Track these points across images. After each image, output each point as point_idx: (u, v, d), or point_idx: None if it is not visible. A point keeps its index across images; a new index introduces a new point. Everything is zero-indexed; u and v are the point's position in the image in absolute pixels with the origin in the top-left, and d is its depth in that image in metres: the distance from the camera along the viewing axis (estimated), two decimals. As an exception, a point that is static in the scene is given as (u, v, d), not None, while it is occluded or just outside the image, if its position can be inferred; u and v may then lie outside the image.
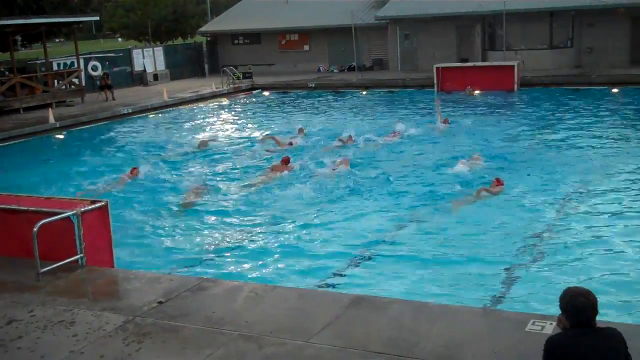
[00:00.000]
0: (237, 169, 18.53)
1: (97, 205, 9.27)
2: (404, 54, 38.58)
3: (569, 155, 18.02)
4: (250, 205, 15.00)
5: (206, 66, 45.59)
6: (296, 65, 42.20)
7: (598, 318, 4.64)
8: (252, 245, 12.33)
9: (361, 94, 33.44)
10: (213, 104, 33.59)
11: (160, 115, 30.46)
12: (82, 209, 8.98)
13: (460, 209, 13.62)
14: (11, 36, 32.47)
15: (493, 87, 30.03)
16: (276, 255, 11.66)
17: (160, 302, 7.76)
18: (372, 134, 21.80)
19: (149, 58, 40.92)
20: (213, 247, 12.36)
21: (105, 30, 69.82)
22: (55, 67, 35.27)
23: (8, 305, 7.94)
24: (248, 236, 12.86)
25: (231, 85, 36.45)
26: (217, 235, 13.04)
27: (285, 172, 17.25)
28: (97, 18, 40.35)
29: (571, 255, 10.77)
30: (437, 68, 31.88)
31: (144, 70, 40.41)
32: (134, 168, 17.99)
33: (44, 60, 34.52)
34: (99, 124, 28.07)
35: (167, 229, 13.58)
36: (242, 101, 34.57)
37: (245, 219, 14.00)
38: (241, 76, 37.72)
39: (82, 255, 9.03)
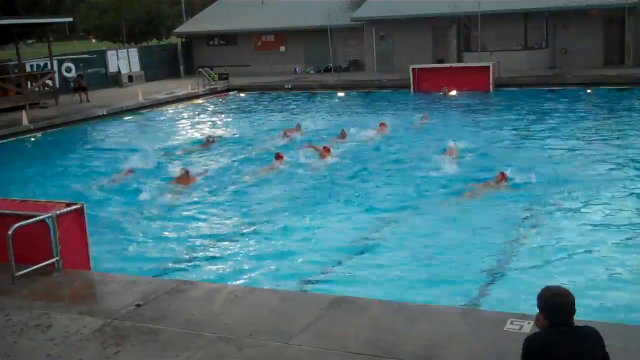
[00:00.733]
0: (215, 170, 18.43)
1: (73, 207, 9.20)
2: (380, 55, 38.68)
3: (545, 155, 18.13)
4: (228, 206, 14.95)
5: (181, 67, 45.40)
6: (272, 67, 42.14)
7: (576, 317, 4.67)
8: (231, 247, 12.29)
9: (337, 94, 33.45)
10: (189, 105, 33.43)
11: (134, 116, 30.24)
12: (58, 212, 8.90)
13: (451, 207, 13.71)
14: (-18, 37, 32.12)
15: (469, 87, 30.21)
16: (255, 257, 11.61)
17: (138, 305, 7.71)
18: (358, 129, 22.10)
19: (123, 59, 40.65)
20: (191, 249, 12.29)
21: (79, 31, 69.21)
22: (28, 69, 34.91)
23: (-17, 310, 7.85)
24: (227, 238, 12.81)
25: (207, 87, 36.31)
26: (195, 237, 12.96)
27: (279, 167, 17.64)
28: (71, 19, 39.93)
29: (549, 255, 10.85)
30: (413, 69, 32.03)
31: (119, 72, 40.12)
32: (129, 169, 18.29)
33: (16, 62, 34.15)
34: (73, 125, 27.82)
35: (144, 231, 13.49)
36: (217, 102, 34.43)
37: (224, 220, 13.96)
38: (217, 77, 37.59)
39: (58, 258, 8.94)
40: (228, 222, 13.84)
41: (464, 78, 30.79)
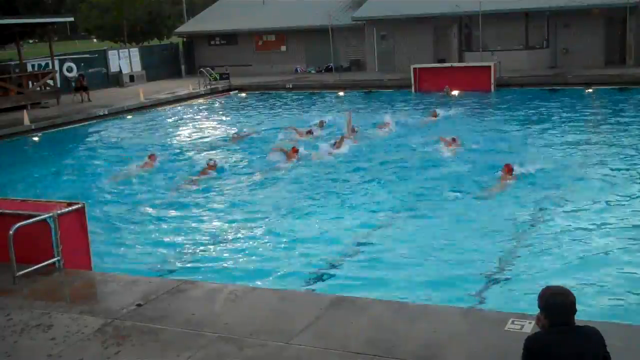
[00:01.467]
0: (216, 170, 18.42)
1: (74, 207, 9.20)
2: (381, 55, 38.66)
3: (547, 155, 18.10)
4: (229, 206, 14.95)
5: (183, 67, 45.42)
6: (273, 66, 42.13)
7: (577, 317, 4.67)
8: (232, 247, 12.28)
9: (338, 94, 33.45)
10: (190, 104, 33.41)
11: (135, 116, 30.24)
12: (59, 212, 8.90)
13: (452, 206, 13.77)
14: (-17, 37, 32.13)
15: (470, 87, 30.16)
16: (256, 257, 11.62)
17: (139, 305, 7.71)
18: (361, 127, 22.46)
19: (124, 59, 40.64)
20: (192, 248, 12.29)
21: (80, 31, 69.23)
22: (29, 69, 34.92)
23: (-16, 310, 7.85)
24: (227, 237, 12.82)
25: (208, 86, 36.30)
26: (196, 236, 12.96)
27: (294, 160, 18.21)
28: (72, 19, 39.94)
29: (551, 255, 10.85)
30: (414, 69, 32.01)
31: (120, 72, 40.11)
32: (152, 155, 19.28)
33: (17, 62, 34.16)
34: (74, 125, 27.83)
35: (145, 231, 13.50)
36: (219, 102, 34.43)
37: (225, 220, 13.96)
38: (218, 77, 37.58)
39: (59, 258, 8.95)
40: (229, 221, 13.83)
41: (465, 78, 30.76)
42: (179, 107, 32.71)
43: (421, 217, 13.35)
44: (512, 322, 6.55)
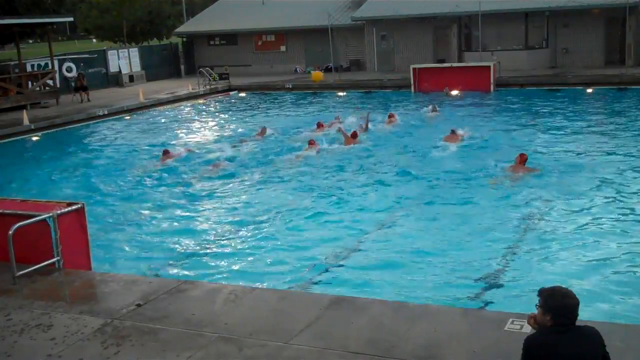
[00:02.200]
0: (216, 170, 18.42)
1: (74, 207, 9.20)
2: (381, 55, 38.67)
3: (548, 154, 18.10)
4: (229, 206, 14.95)
5: (182, 67, 45.42)
6: (273, 66, 42.15)
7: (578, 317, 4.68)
8: (231, 247, 12.28)
9: (338, 94, 33.45)
10: (190, 105, 33.41)
11: (135, 116, 30.23)
12: (59, 212, 8.90)
13: (452, 205, 13.86)
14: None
15: (470, 87, 30.15)
16: (256, 257, 11.62)
17: (138, 305, 7.71)
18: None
19: (124, 59, 40.65)
20: (192, 249, 12.29)
21: (79, 31, 69.16)
22: (29, 69, 34.92)
23: (-16, 310, 7.85)
24: (227, 237, 12.81)
25: (208, 87, 36.30)
26: (196, 236, 12.96)
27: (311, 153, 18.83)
28: (71, 19, 39.97)
29: (550, 254, 10.85)
30: (414, 69, 32.00)
31: (120, 72, 40.12)
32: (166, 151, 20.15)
33: (17, 62, 34.16)
34: (74, 125, 27.83)
35: (145, 231, 13.49)
36: (218, 102, 34.42)
37: (225, 220, 13.95)
38: (217, 77, 37.58)
39: (58, 258, 8.95)
40: (228, 221, 13.83)
41: (465, 78, 30.74)
42: (179, 107, 32.68)
43: (422, 216, 13.35)
44: (512, 322, 6.55)
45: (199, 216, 14.32)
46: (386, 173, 16.91)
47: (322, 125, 23.04)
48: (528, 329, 6.18)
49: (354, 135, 20.47)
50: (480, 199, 14.14)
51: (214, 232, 13.19)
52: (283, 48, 42.85)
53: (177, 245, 12.47)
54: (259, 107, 31.71)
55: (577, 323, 4.70)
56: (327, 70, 38.96)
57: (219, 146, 21.88)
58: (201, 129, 26.51)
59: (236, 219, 13.96)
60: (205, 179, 17.38)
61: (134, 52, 41.85)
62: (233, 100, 34.93)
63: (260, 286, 9.55)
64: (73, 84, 34.56)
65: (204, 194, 16.07)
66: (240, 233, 13.02)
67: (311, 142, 19.65)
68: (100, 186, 17.18)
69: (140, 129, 27.19)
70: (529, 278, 9.89)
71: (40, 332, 7.18)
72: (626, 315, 8.56)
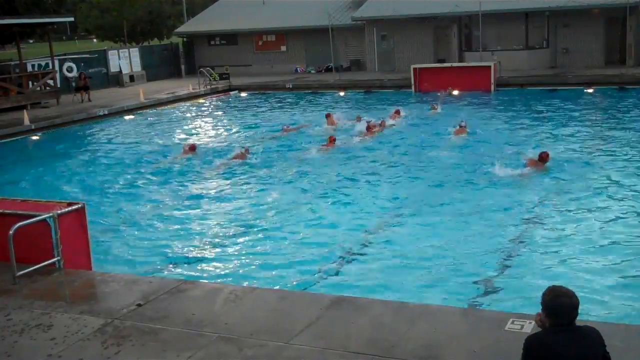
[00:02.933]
0: (219, 171, 18.43)
1: (74, 207, 9.20)
2: (381, 55, 38.67)
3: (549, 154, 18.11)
4: (229, 206, 14.95)
5: (183, 67, 45.42)
6: (273, 66, 42.14)
7: (578, 317, 4.67)
8: (232, 247, 12.28)
9: (339, 94, 33.43)
10: (190, 105, 33.41)
11: (135, 116, 30.22)
12: (59, 212, 8.90)
13: (449, 205, 13.84)
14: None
15: (470, 87, 30.12)
16: (256, 257, 11.62)
17: (139, 305, 7.71)
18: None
19: (124, 59, 40.64)
20: (192, 248, 12.29)
21: (80, 31, 69.19)
22: (29, 69, 34.92)
23: (-16, 310, 7.85)
24: (228, 237, 12.81)
25: (208, 86, 36.30)
26: (196, 236, 12.96)
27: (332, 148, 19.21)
28: (72, 19, 39.97)
29: (552, 255, 10.85)
30: (414, 69, 31.99)
31: (120, 72, 40.12)
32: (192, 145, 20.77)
33: (17, 62, 34.16)
34: (74, 125, 27.83)
35: (145, 230, 13.50)
36: (219, 102, 34.41)
37: (225, 220, 13.95)
38: (218, 77, 37.58)
39: (59, 258, 8.95)
40: (229, 221, 13.82)
41: (465, 78, 30.74)
42: (180, 107, 32.65)
43: (423, 216, 13.34)
44: (512, 322, 6.55)
45: (199, 216, 14.31)
46: (389, 172, 16.96)
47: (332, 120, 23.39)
48: (528, 329, 6.20)
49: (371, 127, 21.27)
50: (480, 199, 14.14)
51: (214, 232, 13.17)
52: (283, 48, 42.85)
53: (177, 245, 12.46)
54: (259, 107, 31.70)
55: (578, 323, 4.69)
56: (328, 70, 38.96)
57: (219, 146, 21.89)
58: (201, 128, 26.49)
59: (237, 218, 13.95)
60: (206, 179, 17.38)
61: (135, 52, 41.85)
62: (232, 100, 34.90)
63: (260, 286, 9.54)
64: (74, 83, 34.54)
65: (204, 194, 16.08)
66: (241, 233, 13.01)
67: (331, 139, 19.89)
68: (100, 186, 17.19)
69: (140, 129, 27.19)
70: (529, 278, 9.90)
71: (40, 332, 7.18)
72: (628, 315, 8.56)
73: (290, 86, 35.91)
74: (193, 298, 7.92)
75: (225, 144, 22.39)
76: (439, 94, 29.22)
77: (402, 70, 34.66)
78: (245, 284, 9.89)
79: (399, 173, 16.87)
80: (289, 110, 30.18)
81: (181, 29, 47.16)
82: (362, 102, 31.28)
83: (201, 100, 34.48)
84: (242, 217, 14.03)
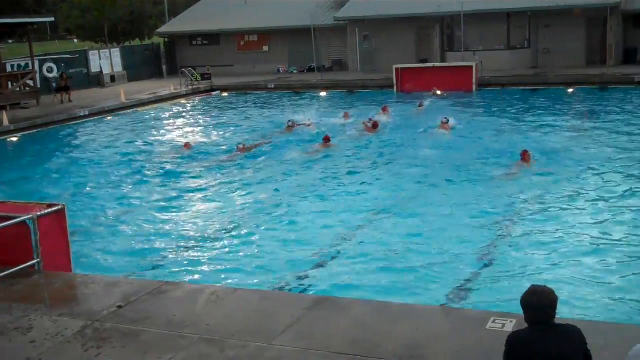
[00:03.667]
0: (198, 171, 18.36)
1: (54, 209, 9.13)
2: (364, 55, 38.69)
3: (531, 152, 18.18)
4: (210, 207, 14.91)
5: (164, 67, 45.21)
6: (255, 66, 42.03)
7: (560, 315, 4.68)
8: (213, 248, 12.24)
9: (321, 94, 33.41)
10: (172, 105, 33.26)
11: (116, 117, 30.05)
12: (39, 213, 8.82)
13: (434, 204, 13.84)
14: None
15: (452, 87, 30.20)
16: (238, 257, 11.59)
17: (119, 307, 7.65)
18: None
19: (105, 59, 40.38)
20: (173, 249, 12.23)
21: (60, 31, 68.79)
22: (9, 69, 34.58)
23: (-38, 312, 7.76)
24: (209, 238, 12.76)
25: (190, 87, 36.17)
26: (177, 237, 12.89)
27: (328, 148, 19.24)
28: (52, 19, 39.73)
29: (533, 254, 10.89)
30: (397, 69, 32.04)
31: (101, 72, 39.84)
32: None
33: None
34: (55, 126, 27.61)
35: (126, 232, 13.42)
36: (201, 102, 34.29)
37: (206, 220, 13.90)
38: (200, 77, 37.47)
39: (38, 260, 8.86)
40: (210, 222, 13.77)
41: (448, 78, 30.83)
42: (161, 108, 32.48)
43: (405, 216, 13.36)
44: (494, 321, 6.56)
45: (180, 217, 14.25)
46: (372, 171, 16.99)
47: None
48: (509, 328, 6.22)
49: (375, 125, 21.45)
50: (462, 197, 14.18)
51: (195, 233, 13.11)
52: (266, 48, 42.77)
53: (158, 246, 12.40)
54: (240, 107, 31.62)
55: (559, 322, 4.70)
56: (310, 70, 38.93)
57: (202, 146, 21.82)
58: (183, 129, 26.37)
59: (219, 219, 13.91)
60: (188, 180, 17.31)
61: (116, 52, 41.60)
62: (214, 101, 34.76)
63: (242, 287, 9.50)
64: (55, 84, 34.26)
65: (186, 195, 16.02)
66: (223, 234, 12.98)
67: (325, 139, 19.91)
68: (81, 187, 17.07)
69: (121, 129, 27.01)
70: (510, 277, 9.93)
71: (19, 335, 7.11)
72: (609, 313, 8.61)
73: (273, 86, 35.86)
74: (174, 299, 7.88)
75: (207, 144, 22.31)
76: (424, 94, 29.32)
77: (385, 71, 34.67)
78: (227, 283, 9.85)
79: (382, 172, 16.90)
80: (269, 109, 30.11)
81: (163, 29, 46.96)
82: (344, 101, 31.30)
83: (183, 101, 34.33)
84: (224, 218, 13.99)
